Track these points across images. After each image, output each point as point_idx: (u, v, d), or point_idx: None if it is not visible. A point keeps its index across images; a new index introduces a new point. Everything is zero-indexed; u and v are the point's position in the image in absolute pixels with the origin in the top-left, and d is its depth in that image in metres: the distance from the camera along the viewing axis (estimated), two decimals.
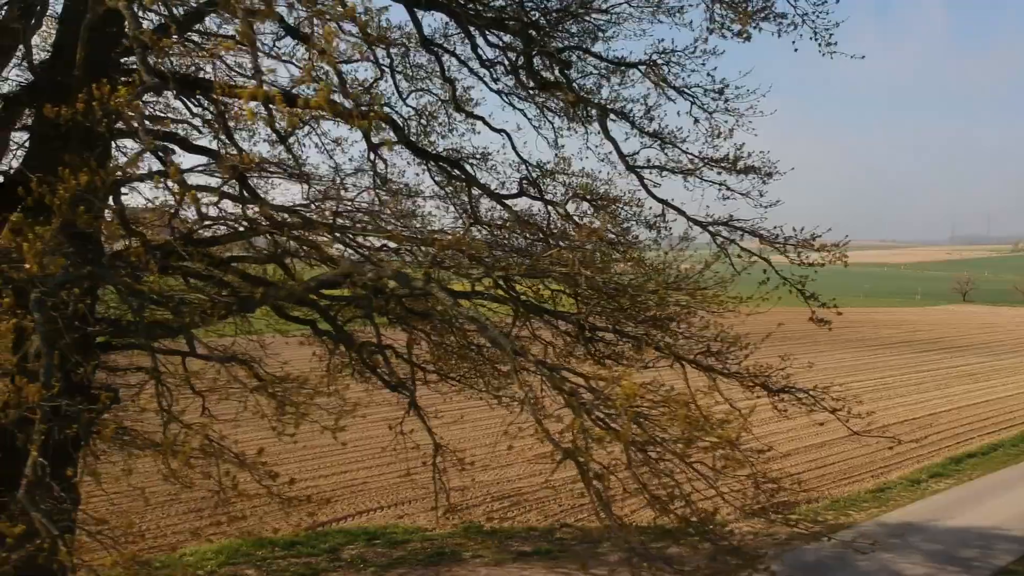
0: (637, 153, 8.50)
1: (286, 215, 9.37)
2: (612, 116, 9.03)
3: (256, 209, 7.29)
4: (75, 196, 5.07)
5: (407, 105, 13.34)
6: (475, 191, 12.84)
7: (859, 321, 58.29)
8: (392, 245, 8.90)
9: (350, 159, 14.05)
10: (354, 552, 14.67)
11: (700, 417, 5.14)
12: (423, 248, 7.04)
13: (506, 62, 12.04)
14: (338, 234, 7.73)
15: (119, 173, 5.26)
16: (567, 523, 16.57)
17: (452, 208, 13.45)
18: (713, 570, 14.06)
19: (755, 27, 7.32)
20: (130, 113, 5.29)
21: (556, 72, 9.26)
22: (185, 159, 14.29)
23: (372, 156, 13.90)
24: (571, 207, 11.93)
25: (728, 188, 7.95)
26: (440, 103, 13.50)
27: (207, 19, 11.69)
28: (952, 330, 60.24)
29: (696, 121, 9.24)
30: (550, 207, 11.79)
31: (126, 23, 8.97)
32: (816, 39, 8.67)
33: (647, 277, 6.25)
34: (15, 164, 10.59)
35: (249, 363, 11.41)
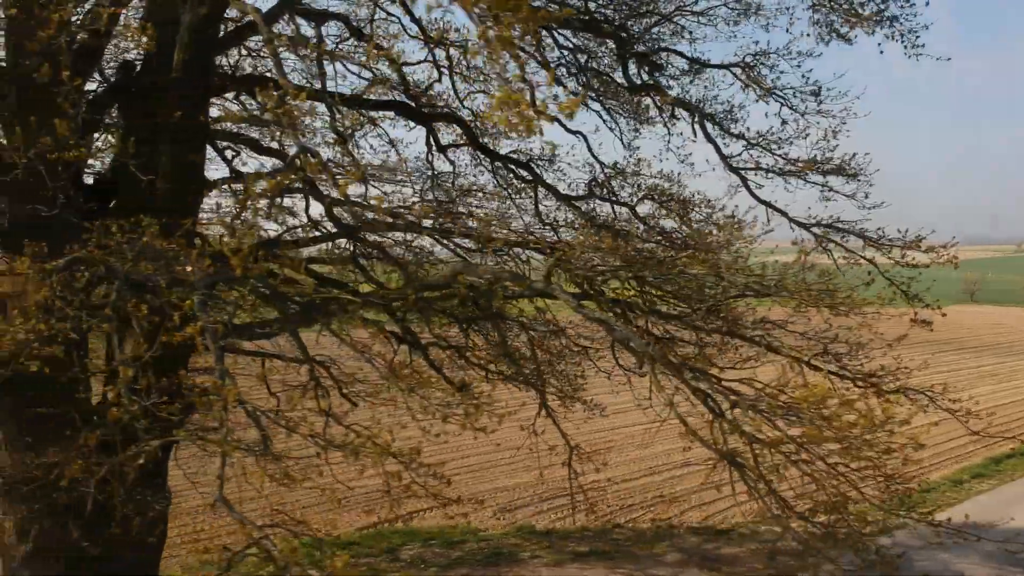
0: (740, 155, 8.54)
1: (386, 216, 9.44)
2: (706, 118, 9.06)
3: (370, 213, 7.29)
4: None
5: (463, 106, 13.36)
6: (538, 192, 12.90)
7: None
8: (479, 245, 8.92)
9: (415, 159, 13.96)
10: (412, 553, 14.70)
11: (875, 419, 5.15)
12: (548, 249, 7.04)
13: (578, 63, 12.11)
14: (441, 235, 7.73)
15: (277, 178, 5.24)
16: (619, 524, 16.59)
17: (514, 208, 13.51)
18: (777, 571, 14.15)
19: (870, 31, 7.34)
20: (289, 121, 5.27)
21: (646, 74, 9.27)
22: (250, 162, 14.37)
23: (430, 156, 14.00)
24: (641, 208, 11.97)
25: (831, 189, 7.99)
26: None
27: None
28: (965, 331, 60.25)
29: (784, 123, 9.27)
30: (622, 208, 11.81)
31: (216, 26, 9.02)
32: (903, 41, 8.70)
33: (776, 279, 6.25)
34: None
35: (326, 364, 11.51)
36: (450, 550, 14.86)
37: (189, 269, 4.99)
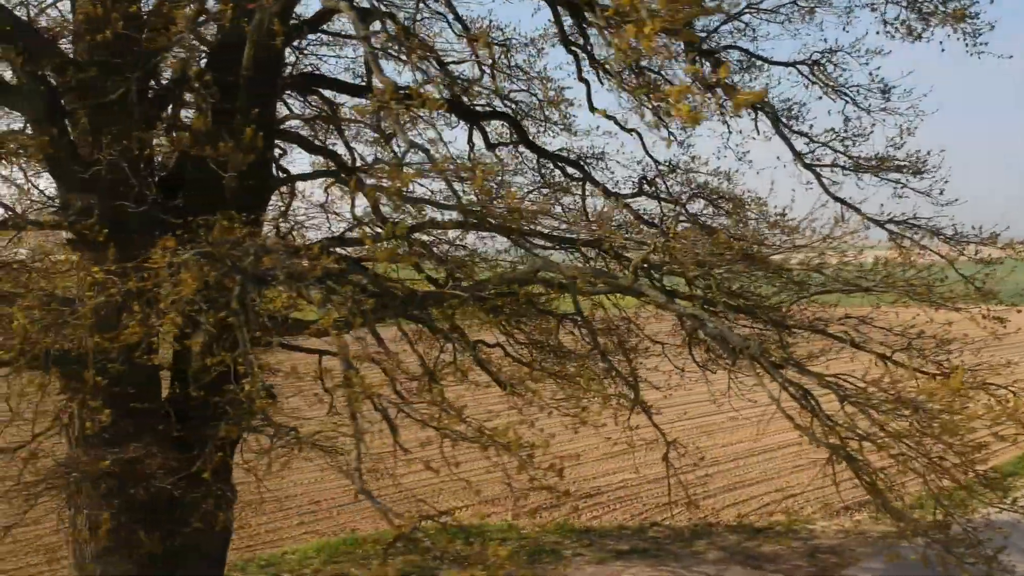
0: (814, 151, 8.57)
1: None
2: (763, 115, 9.08)
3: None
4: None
5: (505, 103, 13.37)
6: (585, 189, 12.94)
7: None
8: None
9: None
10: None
11: (1005, 411, 5.18)
12: (641, 246, 7.07)
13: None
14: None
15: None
16: (656, 522, 16.60)
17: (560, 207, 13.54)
18: (819, 568, 14.17)
19: (953, 29, 7.36)
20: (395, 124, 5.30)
21: (708, 71, 9.29)
22: (297, 159, 14.32)
23: (471, 155, 14.02)
24: (692, 207, 12.00)
25: (904, 185, 8.03)
26: (540, 102, 13.58)
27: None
28: None
29: (847, 120, 9.30)
30: (673, 207, 11.84)
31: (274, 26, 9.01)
32: (964, 39, 8.73)
33: (883, 274, 6.27)
34: None
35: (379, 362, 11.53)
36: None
37: (306, 264, 5.02)
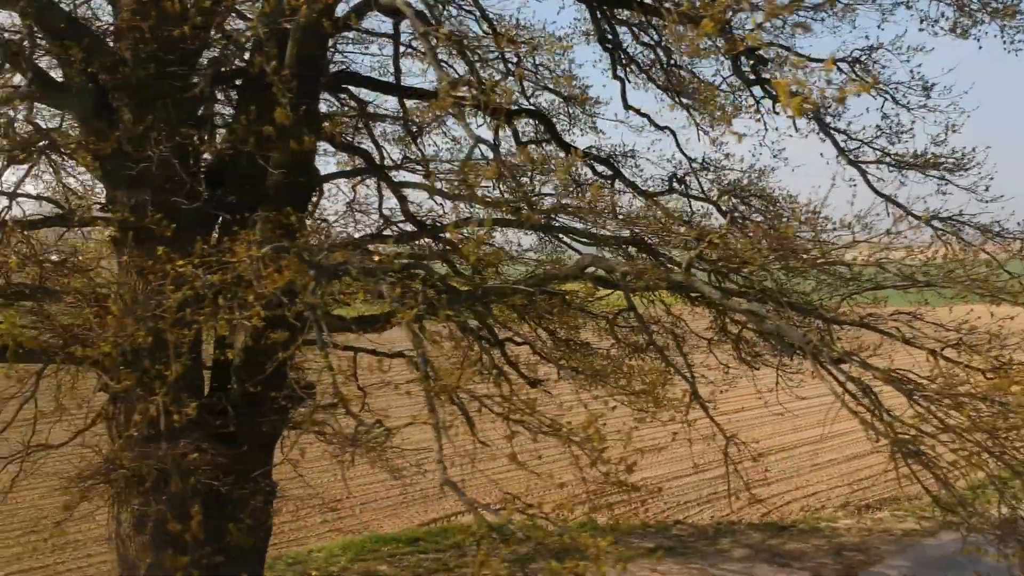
0: (859, 148, 8.59)
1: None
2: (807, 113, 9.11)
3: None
4: None
5: (529, 102, 13.38)
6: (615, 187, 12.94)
7: None
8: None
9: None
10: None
11: None
12: (695, 242, 7.08)
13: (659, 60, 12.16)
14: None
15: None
16: (680, 520, 16.63)
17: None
18: (845, 566, 14.17)
19: (1001, 28, 7.38)
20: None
21: (748, 69, 9.32)
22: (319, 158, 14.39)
23: (498, 153, 14.02)
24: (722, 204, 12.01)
25: (947, 182, 8.05)
26: (565, 100, 13.61)
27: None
28: None
29: (885, 117, 9.32)
30: (706, 204, 11.86)
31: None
32: (1002, 36, 8.75)
33: (948, 269, 6.29)
34: None
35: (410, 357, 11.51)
36: (517, 546, 14.86)
37: (377, 259, 5.03)
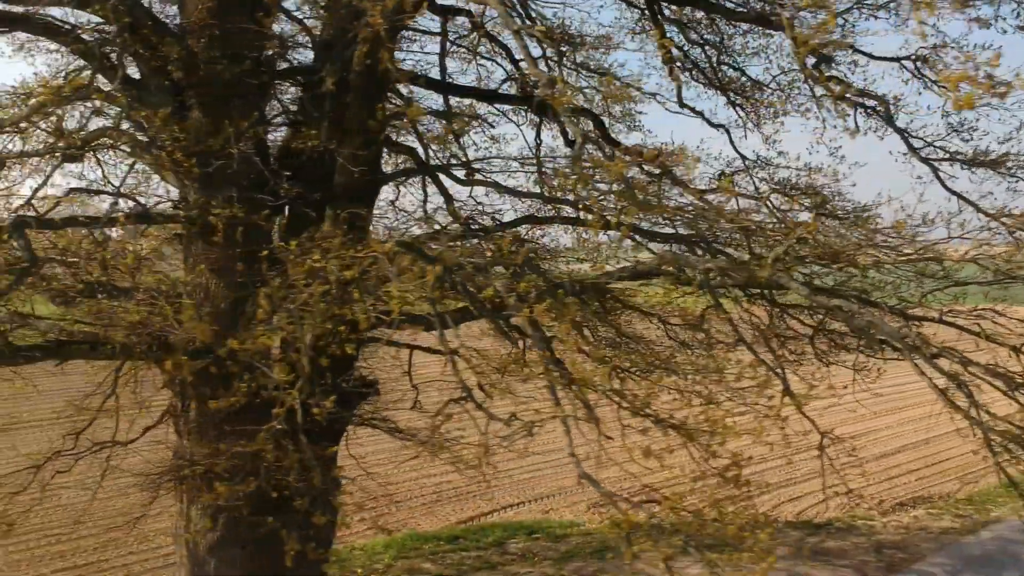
0: (931, 145, 8.59)
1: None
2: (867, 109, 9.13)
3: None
4: None
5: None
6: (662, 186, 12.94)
7: None
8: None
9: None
10: (520, 546, 14.74)
11: None
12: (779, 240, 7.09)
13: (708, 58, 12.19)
14: None
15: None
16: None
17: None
18: (887, 564, 14.20)
19: None
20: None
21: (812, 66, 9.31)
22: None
23: (539, 152, 14.04)
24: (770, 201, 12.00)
25: (1018, 179, 8.06)
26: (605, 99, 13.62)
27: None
28: None
29: (946, 115, 9.31)
30: (756, 201, 11.85)
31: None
32: None
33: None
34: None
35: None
36: (556, 543, 14.91)
37: (489, 255, 5.05)
